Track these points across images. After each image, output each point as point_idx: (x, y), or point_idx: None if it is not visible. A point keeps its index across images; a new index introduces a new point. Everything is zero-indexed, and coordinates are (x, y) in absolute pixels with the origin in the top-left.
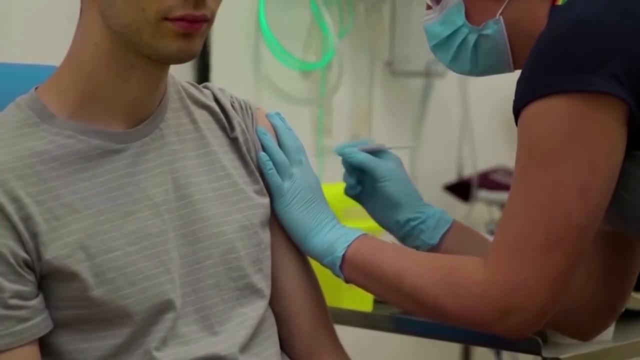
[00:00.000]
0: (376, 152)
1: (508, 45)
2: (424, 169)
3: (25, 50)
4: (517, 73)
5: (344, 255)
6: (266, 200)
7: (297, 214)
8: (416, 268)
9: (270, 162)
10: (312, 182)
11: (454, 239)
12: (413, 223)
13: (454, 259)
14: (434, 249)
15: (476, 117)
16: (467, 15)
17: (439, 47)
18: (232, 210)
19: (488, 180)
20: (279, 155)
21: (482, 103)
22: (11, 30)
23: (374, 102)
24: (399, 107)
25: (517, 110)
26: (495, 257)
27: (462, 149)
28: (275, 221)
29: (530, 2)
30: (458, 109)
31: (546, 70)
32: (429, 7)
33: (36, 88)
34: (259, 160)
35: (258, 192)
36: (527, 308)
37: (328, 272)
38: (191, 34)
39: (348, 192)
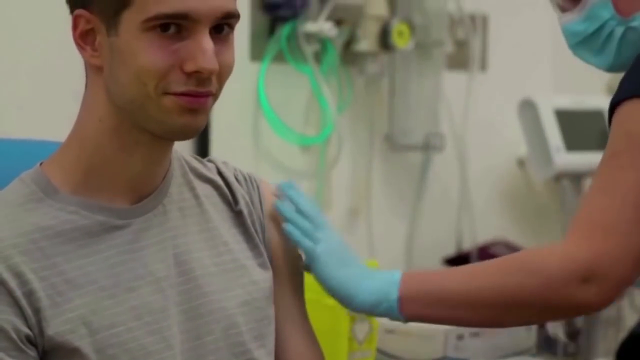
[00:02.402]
0: None
1: None
2: (422, 242)
3: (30, 126)
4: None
5: (399, 296)
6: (269, 274)
7: (334, 274)
8: (482, 273)
9: (297, 232)
10: (340, 240)
11: None
12: None
13: (520, 253)
14: None
15: (475, 191)
16: (615, 6)
17: (581, 44)
18: (233, 286)
19: (487, 254)
20: (304, 222)
21: (481, 177)
22: (16, 105)
23: (373, 175)
24: (398, 181)
25: (617, 102)
26: (577, 230)
27: (461, 222)
28: (278, 295)
29: None
30: (457, 182)
31: None
32: (563, 10)
33: (41, 163)
34: (286, 233)
35: (261, 266)
36: (609, 276)
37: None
38: (196, 109)
39: None
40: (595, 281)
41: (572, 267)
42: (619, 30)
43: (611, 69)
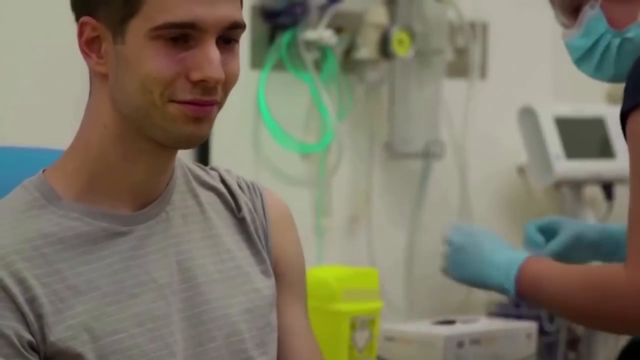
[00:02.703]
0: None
1: None
2: (423, 250)
3: (31, 133)
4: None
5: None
6: (271, 281)
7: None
8: (569, 288)
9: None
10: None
11: None
12: None
13: (596, 269)
14: None
15: (475, 198)
16: (610, 22)
17: (582, 59)
18: (236, 293)
19: None
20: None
21: (481, 184)
22: (17, 113)
23: (373, 183)
24: (398, 188)
25: (625, 114)
26: (632, 259)
27: None
28: (281, 302)
29: None
30: (457, 189)
31: None
32: (566, 26)
33: (44, 170)
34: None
35: (264, 273)
36: None
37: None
38: (201, 118)
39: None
40: None
41: (634, 299)
42: (615, 43)
43: (613, 80)
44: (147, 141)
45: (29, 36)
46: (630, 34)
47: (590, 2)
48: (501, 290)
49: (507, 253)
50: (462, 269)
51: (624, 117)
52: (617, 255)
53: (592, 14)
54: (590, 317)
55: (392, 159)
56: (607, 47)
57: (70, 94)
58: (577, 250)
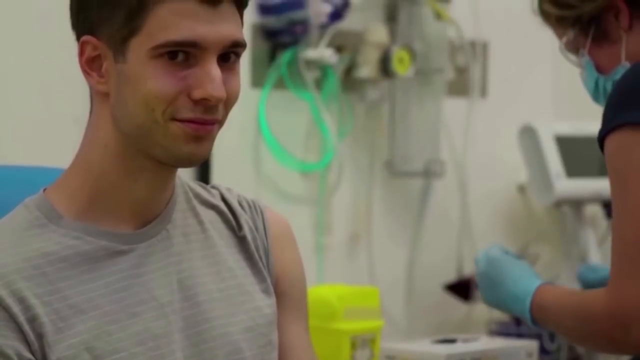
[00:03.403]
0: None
1: None
2: (423, 268)
3: (31, 152)
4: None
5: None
6: (272, 300)
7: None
8: (561, 313)
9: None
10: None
11: None
12: None
13: (582, 293)
14: None
15: (476, 217)
16: (597, 67)
17: (594, 97)
18: (237, 312)
19: None
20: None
21: (482, 203)
22: (17, 132)
23: (374, 201)
24: (398, 207)
25: (601, 139)
26: (612, 281)
27: (462, 248)
28: (282, 321)
29: None
30: (457, 208)
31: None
32: (578, 65)
33: (45, 189)
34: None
35: (265, 291)
36: None
37: None
38: (202, 137)
39: None
40: (635, 328)
41: (613, 321)
42: (609, 86)
43: None
44: (148, 160)
45: (29, 55)
46: (618, 77)
47: (580, 51)
48: (524, 319)
49: (523, 284)
50: (487, 295)
51: (601, 141)
52: None
53: (585, 60)
54: (580, 339)
55: (392, 177)
56: (604, 89)
57: (70, 113)
58: None
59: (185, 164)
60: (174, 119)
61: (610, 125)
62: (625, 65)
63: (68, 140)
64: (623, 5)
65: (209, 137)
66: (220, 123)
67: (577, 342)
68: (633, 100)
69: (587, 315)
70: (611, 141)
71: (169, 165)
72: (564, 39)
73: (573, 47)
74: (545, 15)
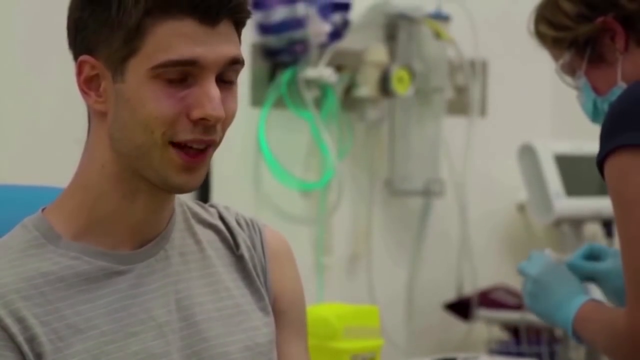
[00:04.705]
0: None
1: None
2: (423, 287)
3: (31, 172)
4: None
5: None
6: (270, 318)
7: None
8: (594, 330)
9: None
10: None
11: None
12: None
13: (613, 312)
14: None
15: (475, 236)
16: (594, 89)
17: (593, 119)
18: (235, 331)
19: (488, 299)
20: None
21: (481, 222)
22: (16, 151)
23: (374, 220)
24: (398, 226)
25: (600, 162)
26: (628, 305)
27: (462, 267)
28: (281, 339)
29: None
30: (457, 227)
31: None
32: (575, 87)
33: (43, 209)
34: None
35: (262, 310)
36: None
37: None
38: (194, 167)
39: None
40: None
41: (631, 341)
42: (605, 107)
43: None
44: (144, 181)
45: (27, 75)
46: (614, 98)
47: (577, 72)
48: (566, 331)
49: (572, 296)
50: (533, 299)
51: (600, 165)
52: None
53: (581, 82)
54: (612, 355)
55: (392, 196)
56: (603, 110)
57: (70, 133)
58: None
59: (177, 191)
60: (172, 143)
61: (607, 148)
62: (621, 86)
63: (68, 160)
64: (619, 27)
65: (202, 165)
66: (217, 144)
67: (610, 356)
68: (628, 121)
69: (613, 336)
70: (610, 165)
71: (163, 190)
72: (560, 61)
73: (569, 69)
74: (541, 37)
